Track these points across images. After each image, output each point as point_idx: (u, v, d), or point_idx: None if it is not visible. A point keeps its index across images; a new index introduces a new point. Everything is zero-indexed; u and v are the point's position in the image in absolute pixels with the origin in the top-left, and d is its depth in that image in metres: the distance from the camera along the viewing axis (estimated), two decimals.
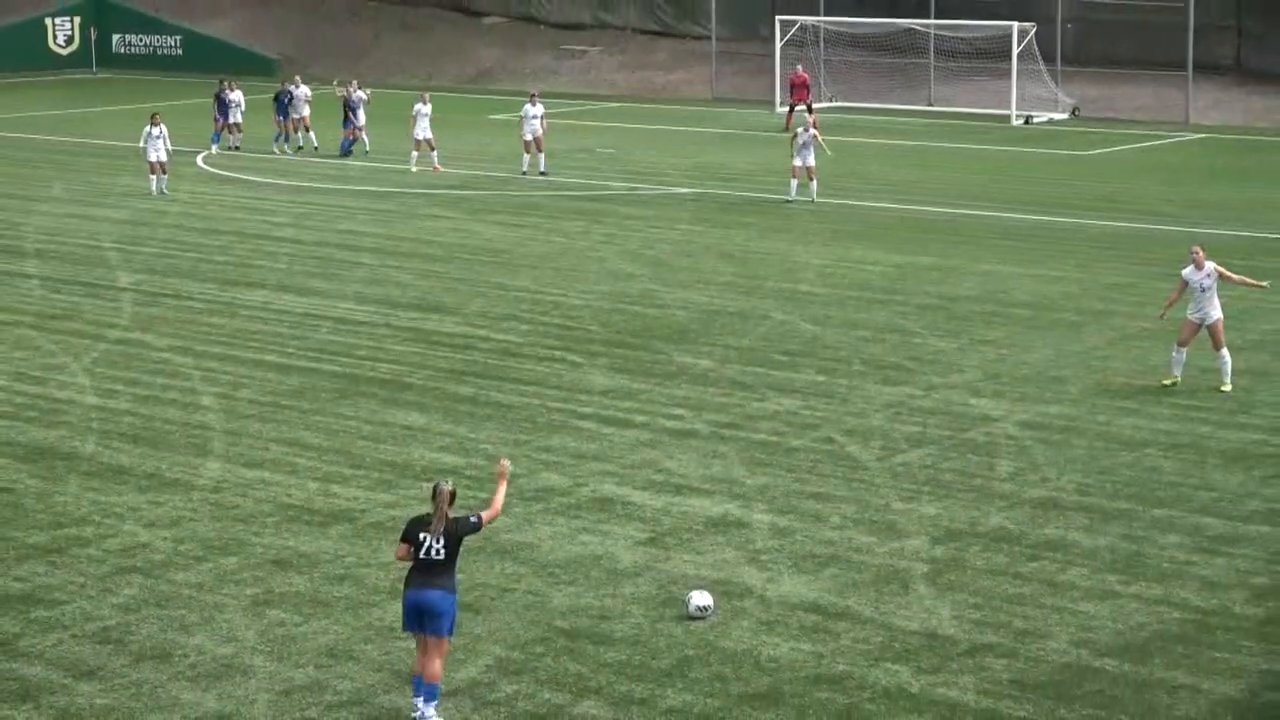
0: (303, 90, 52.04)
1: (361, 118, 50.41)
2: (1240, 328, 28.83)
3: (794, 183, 41.79)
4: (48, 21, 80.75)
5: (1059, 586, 17.65)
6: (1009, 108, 59.30)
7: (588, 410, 24.07)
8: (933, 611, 17.00)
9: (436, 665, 14.68)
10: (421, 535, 14.61)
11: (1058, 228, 38.55)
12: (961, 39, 62.40)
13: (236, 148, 51.44)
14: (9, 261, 35.21)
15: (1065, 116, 60.14)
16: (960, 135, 55.89)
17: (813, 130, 41.69)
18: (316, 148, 51.40)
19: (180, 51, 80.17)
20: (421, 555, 14.58)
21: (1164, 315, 26.01)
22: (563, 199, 42.85)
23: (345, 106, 50.36)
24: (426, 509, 15.12)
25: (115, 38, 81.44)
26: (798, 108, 56.28)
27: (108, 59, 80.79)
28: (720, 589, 17.48)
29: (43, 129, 58.59)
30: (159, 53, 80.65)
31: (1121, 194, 43.61)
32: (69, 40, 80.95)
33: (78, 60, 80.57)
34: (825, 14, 66.15)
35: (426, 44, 77.95)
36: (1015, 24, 59.45)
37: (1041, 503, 20.22)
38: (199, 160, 49.58)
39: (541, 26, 77.93)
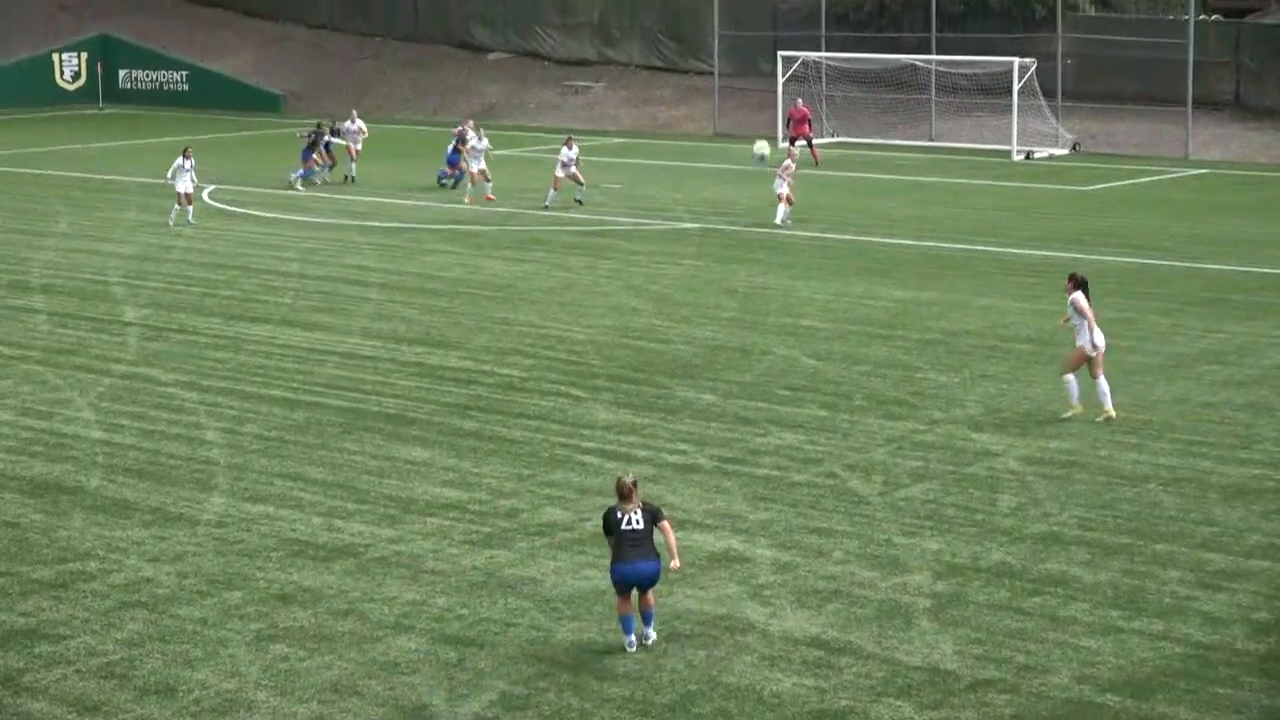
0: (358, 124, 53.30)
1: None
2: (1239, 362, 28.82)
3: (781, 208, 43.20)
4: (55, 57, 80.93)
5: (1061, 621, 17.60)
6: (1010, 143, 59.39)
7: (591, 445, 24.05)
8: (935, 646, 16.95)
9: (650, 598, 16.77)
10: (619, 514, 16.56)
11: (1059, 263, 38.51)
12: (963, 75, 62.51)
13: (326, 180, 52.37)
14: (16, 296, 35.23)
15: (1066, 152, 60.21)
16: (961, 170, 55.93)
17: (790, 167, 43.70)
18: (354, 179, 51.92)
19: (186, 87, 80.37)
20: (624, 528, 16.50)
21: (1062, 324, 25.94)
22: (567, 234, 42.87)
23: (457, 140, 51.08)
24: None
25: (122, 73, 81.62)
26: (798, 142, 56.31)
27: (114, 94, 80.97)
28: (723, 624, 17.44)
29: (49, 164, 58.67)
30: (165, 88, 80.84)
31: (1122, 229, 43.62)
32: (76, 76, 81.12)
33: (84, 96, 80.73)
34: (826, 50, 66.31)
35: (432, 80, 78.13)
36: (1016, 60, 59.56)
37: (1043, 537, 20.17)
38: (205, 195, 49.63)
39: (545, 62, 78.11)
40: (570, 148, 47.34)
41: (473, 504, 21.44)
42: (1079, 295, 25.03)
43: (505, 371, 28.40)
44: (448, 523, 20.77)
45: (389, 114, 75.41)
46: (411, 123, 73.55)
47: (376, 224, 44.64)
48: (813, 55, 65.33)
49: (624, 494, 16.64)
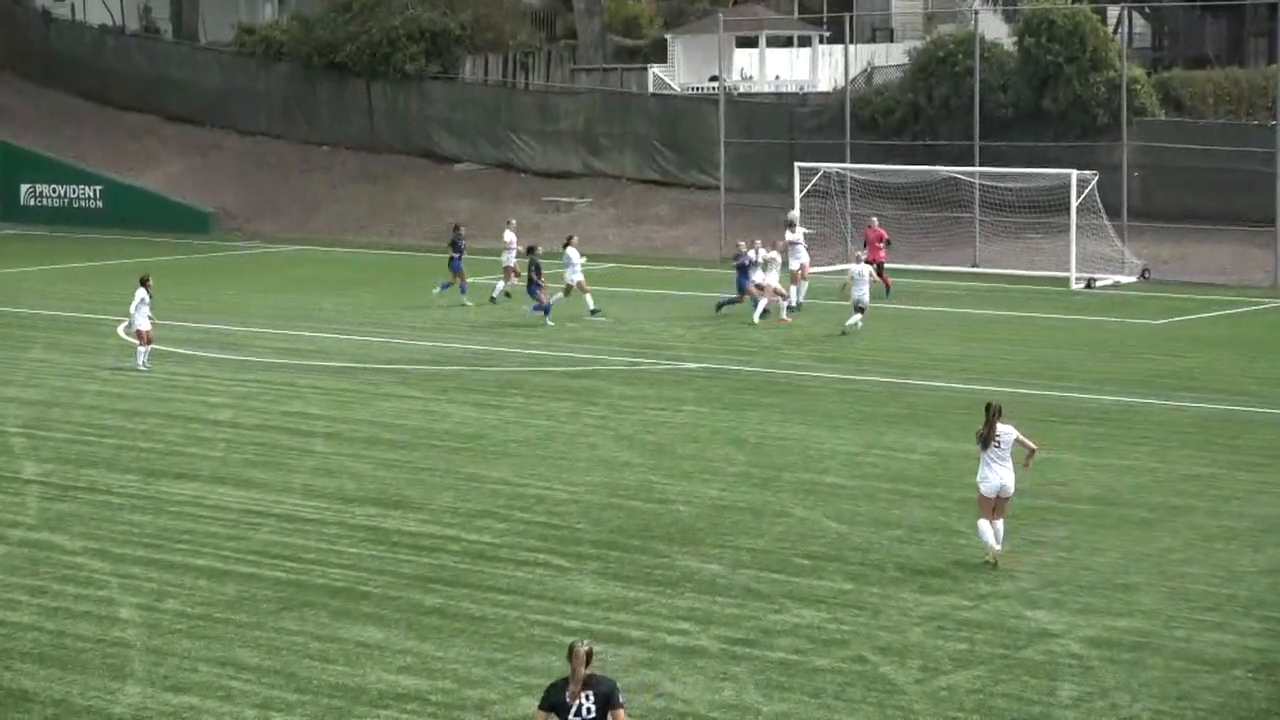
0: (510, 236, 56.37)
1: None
2: None
3: (856, 317, 48.65)
4: None
5: None
6: (1067, 270, 59.65)
7: (575, 624, 24.00)
8: None
9: None
10: (567, 697, 15.90)
11: (1126, 409, 38.65)
12: (1011, 190, 62.93)
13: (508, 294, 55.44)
14: None
15: (1134, 279, 60.51)
16: (1011, 301, 56.19)
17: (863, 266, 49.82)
18: (494, 299, 54.81)
19: (100, 204, 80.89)
20: (572, 716, 15.86)
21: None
22: (548, 375, 43.00)
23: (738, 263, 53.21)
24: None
25: (24, 188, 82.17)
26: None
27: (15, 213, 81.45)
28: None
29: None
30: (76, 205, 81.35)
31: (1200, 370, 43.78)
32: None
33: None
34: (852, 160, 66.78)
35: (390, 195, 78.73)
36: (1074, 172, 59.89)
37: None
38: (120, 330, 49.81)
39: (522, 175, 78.80)
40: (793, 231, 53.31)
41: (434, 694, 21.37)
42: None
43: (474, 537, 28.39)
44: (404, 716, 20.70)
45: (339, 235, 75.90)
46: (366, 245, 73.99)
47: (322, 364, 44.78)
48: (835, 167, 65.83)
49: (575, 667, 16.09)
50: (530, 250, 52.60)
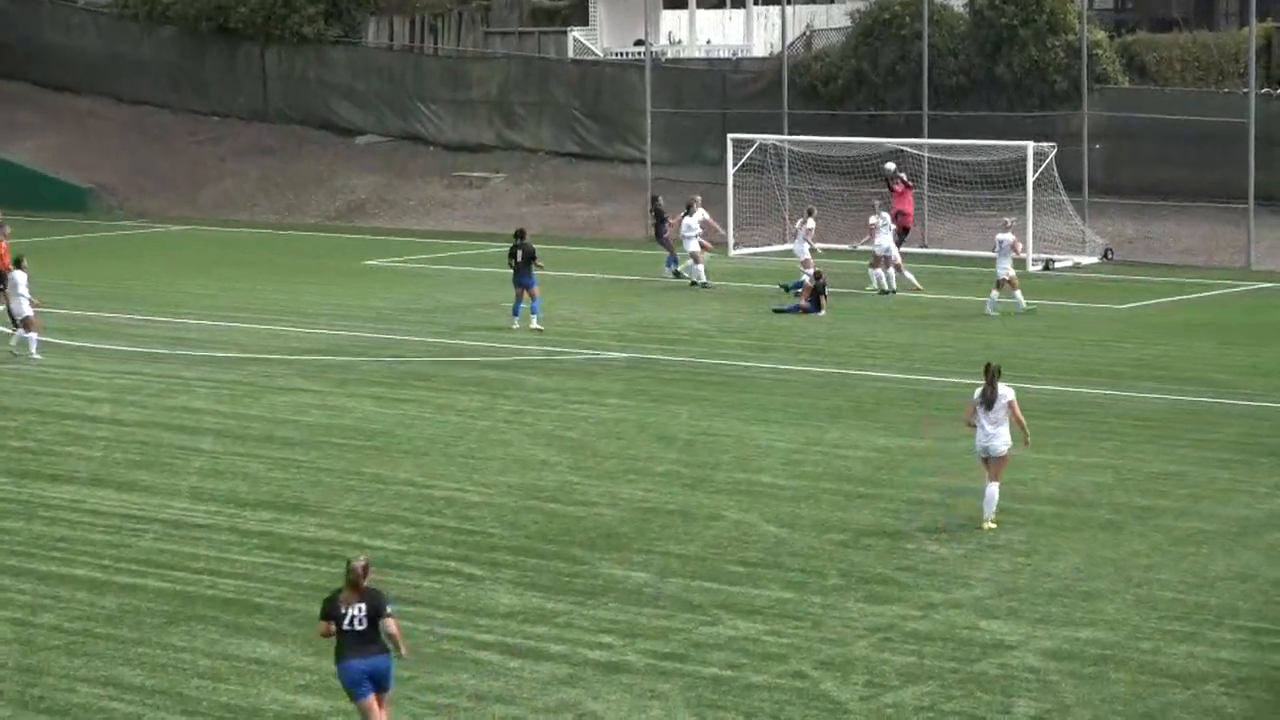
0: (699, 214, 56.88)
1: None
2: None
3: (995, 295, 50.09)
4: None
5: None
6: (1024, 250, 59.76)
7: (489, 637, 23.99)
8: None
9: (390, 713, 19.55)
10: (343, 609, 19.06)
11: (1087, 402, 38.80)
12: (963, 163, 62.98)
13: (677, 274, 57.61)
14: None
15: (1095, 260, 60.74)
16: (963, 285, 56.32)
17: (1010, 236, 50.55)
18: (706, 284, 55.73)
19: None
20: (345, 626, 19.06)
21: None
22: (459, 366, 42.94)
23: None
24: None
25: None
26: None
27: None
28: None
29: None
30: None
31: (1167, 358, 43.97)
32: None
33: None
34: (790, 132, 66.83)
35: (286, 170, 78.51)
36: (1030, 144, 59.95)
37: None
38: None
39: (430, 148, 78.66)
40: (810, 219, 55.13)
41: (334, 714, 21.32)
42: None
43: (378, 543, 28.33)
44: None
45: (230, 213, 75.64)
46: (259, 224, 73.77)
47: (210, 354, 44.61)
48: (772, 139, 65.84)
49: (353, 582, 19.09)
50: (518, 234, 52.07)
